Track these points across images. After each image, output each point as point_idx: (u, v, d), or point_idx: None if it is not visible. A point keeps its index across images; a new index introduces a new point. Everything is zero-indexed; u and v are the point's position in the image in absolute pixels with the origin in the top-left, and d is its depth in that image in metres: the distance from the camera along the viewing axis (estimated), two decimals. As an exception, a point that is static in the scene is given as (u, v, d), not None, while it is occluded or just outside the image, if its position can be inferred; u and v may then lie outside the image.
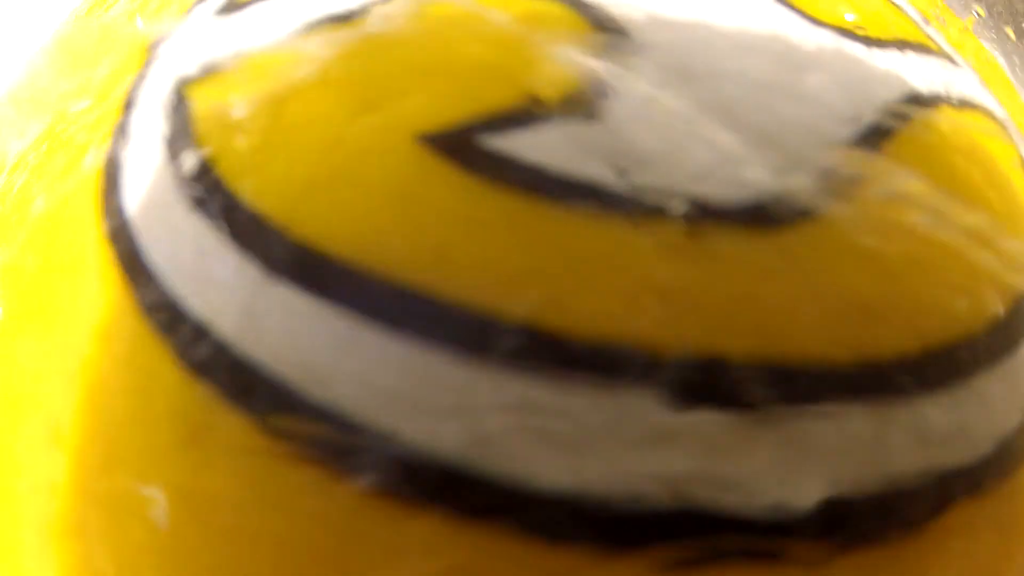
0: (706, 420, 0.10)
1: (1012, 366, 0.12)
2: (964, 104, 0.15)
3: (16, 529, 0.12)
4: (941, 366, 0.11)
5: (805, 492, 0.10)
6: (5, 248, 0.13)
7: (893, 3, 0.16)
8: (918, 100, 0.14)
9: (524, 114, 0.11)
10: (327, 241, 0.11)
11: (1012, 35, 0.17)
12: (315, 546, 0.10)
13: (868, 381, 0.11)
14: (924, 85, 0.14)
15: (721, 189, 0.11)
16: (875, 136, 0.13)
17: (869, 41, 0.14)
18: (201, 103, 0.12)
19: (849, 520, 0.10)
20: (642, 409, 0.10)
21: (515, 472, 0.10)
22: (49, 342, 0.12)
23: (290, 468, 0.10)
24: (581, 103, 0.12)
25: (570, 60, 0.12)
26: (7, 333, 0.13)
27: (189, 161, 0.12)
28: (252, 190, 0.11)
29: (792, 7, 0.14)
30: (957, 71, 0.15)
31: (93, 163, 0.13)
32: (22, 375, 0.12)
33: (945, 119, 0.14)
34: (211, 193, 0.11)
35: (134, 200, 0.12)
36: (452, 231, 0.11)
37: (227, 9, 0.13)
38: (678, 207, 0.11)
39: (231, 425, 0.10)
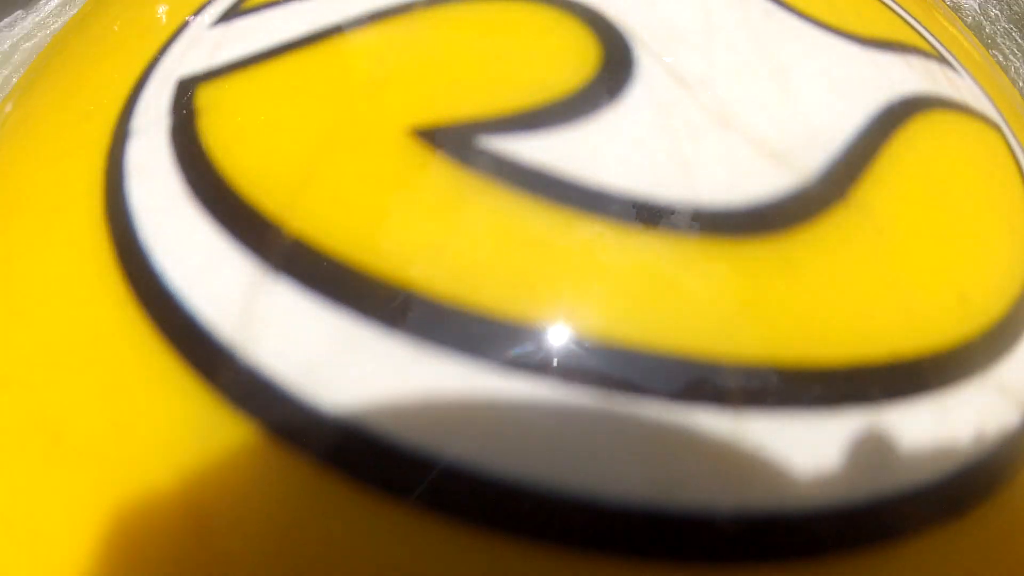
0: (699, 420, 0.10)
1: (995, 382, 0.12)
2: (960, 106, 0.15)
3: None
4: (925, 375, 0.11)
5: (786, 496, 0.10)
6: None
7: (889, 5, 0.16)
8: (915, 102, 0.14)
9: (526, 117, 0.11)
10: (321, 235, 0.11)
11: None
12: (314, 547, 0.10)
13: (853, 387, 0.11)
14: (921, 87, 0.14)
15: (721, 195, 0.11)
16: (872, 138, 0.13)
17: (866, 43, 0.15)
18: (204, 101, 0.12)
19: (819, 532, 0.10)
20: (642, 410, 0.10)
21: (530, 477, 0.10)
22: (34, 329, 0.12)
23: (290, 469, 0.10)
24: (584, 109, 0.12)
25: (574, 66, 0.12)
26: None
27: (191, 157, 0.12)
28: (251, 184, 0.11)
29: (790, 8, 0.14)
30: (953, 73, 0.15)
31: (95, 158, 0.12)
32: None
33: (941, 121, 0.14)
34: (210, 186, 0.11)
35: (137, 194, 0.12)
36: (447, 229, 0.11)
37: (232, 13, 0.13)
38: (679, 213, 0.11)
39: (231, 425, 0.10)
